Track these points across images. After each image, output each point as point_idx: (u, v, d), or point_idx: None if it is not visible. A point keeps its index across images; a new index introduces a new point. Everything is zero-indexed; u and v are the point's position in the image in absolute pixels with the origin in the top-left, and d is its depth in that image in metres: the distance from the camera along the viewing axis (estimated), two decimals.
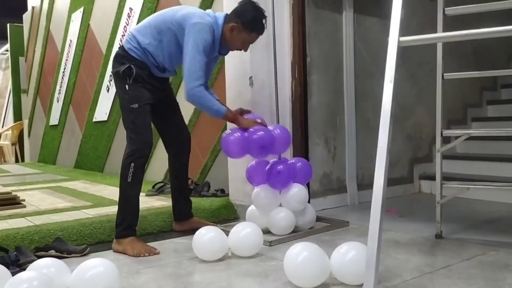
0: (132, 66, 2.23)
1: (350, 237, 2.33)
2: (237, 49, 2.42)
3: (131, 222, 2.23)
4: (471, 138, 2.39)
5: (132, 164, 2.19)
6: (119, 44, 4.62)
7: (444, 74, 2.24)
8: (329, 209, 3.04)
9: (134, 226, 2.25)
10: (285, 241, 2.29)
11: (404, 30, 1.48)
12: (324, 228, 2.55)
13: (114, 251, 2.21)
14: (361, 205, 3.19)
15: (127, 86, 2.23)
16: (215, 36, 2.31)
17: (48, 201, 3.28)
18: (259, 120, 2.39)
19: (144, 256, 2.12)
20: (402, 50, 1.48)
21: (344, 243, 1.70)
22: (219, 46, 2.37)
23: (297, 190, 2.41)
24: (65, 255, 2.12)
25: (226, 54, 2.51)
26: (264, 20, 2.36)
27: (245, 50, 2.44)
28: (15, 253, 1.93)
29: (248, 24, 2.31)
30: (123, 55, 2.29)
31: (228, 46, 2.39)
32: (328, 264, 1.64)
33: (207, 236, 2.02)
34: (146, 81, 2.28)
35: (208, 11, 2.40)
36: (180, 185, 2.58)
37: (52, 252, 2.13)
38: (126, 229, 2.21)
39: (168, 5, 3.84)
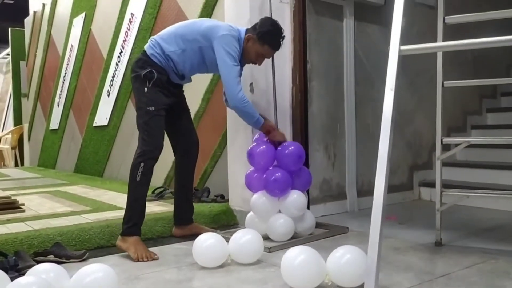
0: (153, 70, 2.31)
1: (349, 243, 2.30)
2: (251, 62, 2.49)
3: (137, 221, 2.27)
4: (471, 145, 2.39)
5: (142, 164, 2.24)
6: (120, 49, 4.65)
7: (444, 82, 2.25)
8: (328, 216, 3.04)
9: (139, 225, 2.28)
10: (284, 247, 2.28)
11: (405, 38, 1.49)
12: (323, 234, 2.54)
13: (117, 247, 2.26)
14: (360, 212, 3.19)
15: (146, 89, 2.30)
16: (240, 47, 2.39)
17: (48, 205, 3.28)
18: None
19: (143, 261, 2.13)
20: (403, 58, 1.49)
21: (339, 247, 1.72)
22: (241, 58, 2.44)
23: (296, 197, 2.40)
24: (64, 260, 2.11)
25: (242, 66, 2.53)
26: (280, 37, 2.44)
27: (259, 64, 2.51)
28: (14, 257, 1.93)
29: (261, 35, 2.38)
30: (145, 60, 2.36)
31: (244, 58, 2.45)
32: (324, 267, 1.68)
33: (207, 243, 2.01)
34: (164, 86, 2.36)
35: (231, 24, 2.48)
36: (185, 191, 2.60)
37: (51, 257, 2.12)
38: (132, 227, 2.25)
39: (169, 12, 3.87)
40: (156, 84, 2.31)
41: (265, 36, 2.39)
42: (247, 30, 2.44)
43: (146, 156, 2.26)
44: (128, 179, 2.28)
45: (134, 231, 2.25)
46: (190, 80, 2.56)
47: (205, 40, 2.34)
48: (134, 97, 2.40)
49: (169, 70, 2.37)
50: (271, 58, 2.68)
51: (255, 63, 2.50)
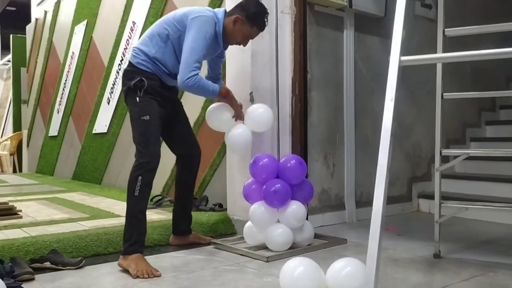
0: (143, 78, 2.24)
1: (347, 254, 2.31)
2: (236, 43, 2.44)
3: (138, 238, 2.16)
4: (470, 158, 2.39)
5: (140, 178, 2.15)
6: (121, 57, 4.66)
7: (444, 93, 2.25)
8: (327, 226, 3.03)
9: (141, 242, 2.18)
10: (282, 257, 2.27)
11: (404, 50, 1.50)
12: (322, 245, 2.53)
13: (119, 266, 2.13)
14: (359, 223, 3.18)
15: (138, 99, 2.23)
16: (217, 30, 2.33)
17: (45, 212, 3.27)
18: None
19: (143, 277, 2.01)
20: (403, 70, 1.49)
21: (340, 258, 1.69)
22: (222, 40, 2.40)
23: (296, 207, 2.39)
24: (60, 268, 2.10)
25: (225, 48, 2.51)
26: (266, 17, 2.41)
27: (244, 45, 2.46)
28: (10, 264, 1.91)
29: (251, 17, 2.35)
30: (133, 71, 2.29)
31: (228, 40, 2.40)
32: (323, 279, 1.64)
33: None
34: (157, 92, 2.28)
35: (207, 7, 2.42)
36: (184, 200, 2.58)
37: (47, 264, 2.11)
38: (133, 245, 2.13)
39: None
40: (147, 92, 2.23)
41: (254, 17, 2.36)
42: (227, 12, 2.39)
43: (144, 169, 2.16)
44: (126, 193, 2.19)
45: (135, 249, 2.13)
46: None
47: (181, 27, 2.27)
48: (128, 110, 2.34)
49: (160, 73, 2.30)
50: (273, 68, 2.69)
51: (240, 44, 2.44)
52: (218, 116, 2.49)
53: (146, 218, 2.23)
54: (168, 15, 2.37)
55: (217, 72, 2.60)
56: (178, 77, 2.23)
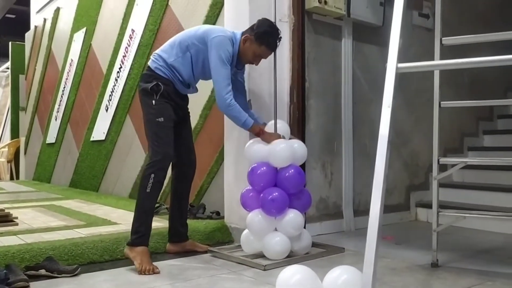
0: (159, 83, 2.36)
1: (345, 263, 2.27)
2: (248, 62, 2.54)
3: (146, 232, 2.28)
4: (468, 167, 2.40)
5: (153, 175, 2.26)
6: (120, 65, 4.67)
7: (442, 102, 2.26)
8: (325, 235, 3.01)
9: (148, 236, 2.30)
10: (279, 266, 2.25)
11: (402, 59, 1.50)
12: (320, 254, 2.52)
13: (125, 256, 2.28)
14: (357, 232, 3.17)
15: (154, 102, 2.36)
16: (234, 49, 2.44)
17: (41, 219, 3.25)
18: (281, 135, 2.49)
19: (145, 274, 2.13)
20: (400, 78, 1.50)
21: (336, 266, 1.68)
22: (237, 60, 2.50)
23: (293, 216, 2.38)
24: (55, 275, 2.08)
25: (240, 69, 2.61)
26: (277, 38, 2.48)
27: (256, 64, 2.55)
28: (4, 271, 1.90)
29: (259, 35, 2.43)
30: (150, 75, 2.42)
31: (241, 58, 2.51)
32: (320, 287, 1.62)
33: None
34: (171, 98, 2.41)
35: (232, 30, 2.53)
36: (180, 208, 2.60)
37: (43, 271, 2.09)
38: (141, 237, 2.26)
39: (169, 29, 3.91)
40: (163, 96, 2.37)
41: (262, 36, 2.43)
42: (243, 32, 2.50)
43: (156, 167, 2.28)
44: (138, 189, 2.31)
45: (142, 241, 2.26)
46: (196, 90, 2.61)
47: (201, 44, 2.40)
48: (142, 110, 2.45)
49: (175, 80, 2.42)
50: (271, 76, 2.70)
51: (253, 63, 2.54)
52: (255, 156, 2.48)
53: (153, 216, 2.35)
54: (191, 29, 2.51)
55: (241, 100, 2.59)
56: (216, 95, 2.39)
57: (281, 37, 2.51)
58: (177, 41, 2.45)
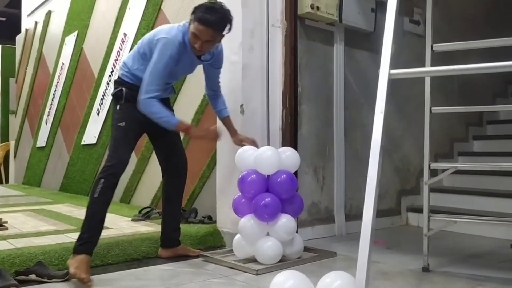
0: (123, 88, 2.34)
1: (337, 268, 2.30)
2: (195, 50, 2.30)
3: (89, 239, 2.16)
4: (458, 172, 2.42)
5: (102, 180, 2.18)
6: (112, 68, 4.66)
7: (432, 108, 2.28)
8: (316, 239, 3.02)
9: (91, 244, 2.17)
10: (272, 270, 2.26)
11: (393, 65, 1.52)
12: (312, 258, 2.52)
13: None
14: (348, 236, 3.18)
15: (118, 106, 2.35)
16: (186, 41, 2.29)
17: (31, 224, 3.22)
18: (214, 127, 2.47)
19: (74, 278, 2.02)
20: (392, 84, 1.51)
21: (330, 272, 1.68)
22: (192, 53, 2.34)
23: (286, 221, 2.38)
24: (46, 280, 2.06)
25: (202, 59, 2.43)
26: (206, 11, 2.21)
27: (198, 48, 2.26)
28: None
29: (193, 11, 2.25)
30: (117, 81, 2.43)
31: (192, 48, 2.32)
32: None
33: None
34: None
35: (179, 24, 2.36)
36: (172, 213, 2.57)
37: (33, 276, 2.07)
38: (82, 245, 2.14)
39: None
40: (128, 100, 2.32)
41: (193, 12, 2.25)
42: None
43: (107, 172, 2.20)
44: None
45: (84, 249, 2.13)
46: (173, 92, 2.56)
47: (152, 47, 2.30)
48: None
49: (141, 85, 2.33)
50: (264, 81, 2.70)
51: (198, 49, 2.27)
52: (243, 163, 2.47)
53: (102, 224, 2.22)
54: (147, 34, 2.41)
55: (213, 87, 2.59)
56: (139, 96, 2.25)
57: (215, 7, 2.24)
58: (136, 50, 2.39)
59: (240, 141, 2.60)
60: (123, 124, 2.30)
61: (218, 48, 2.47)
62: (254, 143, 2.59)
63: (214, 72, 2.56)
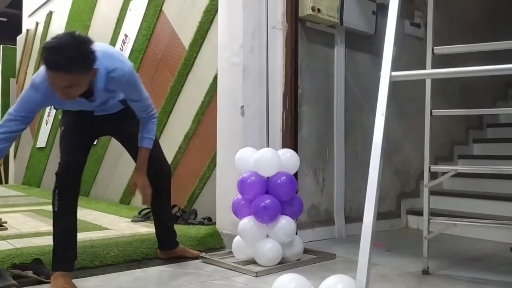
0: None
1: (336, 270, 2.30)
2: (63, 97, 1.83)
3: (60, 256, 2.05)
4: (458, 175, 2.42)
5: (57, 191, 2.06)
6: None
7: (433, 110, 2.28)
8: (316, 241, 3.02)
9: (63, 260, 2.05)
10: (271, 272, 2.26)
11: (394, 68, 1.52)
12: (311, 260, 2.52)
13: None
14: (348, 238, 3.18)
15: (63, 112, 2.28)
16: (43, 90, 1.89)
17: (31, 224, 3.22)
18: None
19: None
20: (393, 86, 1.51)
21: (332, 275, 1.67)
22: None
23: (285, 223, 2.38)
24: (43, 280, 2.06)
25: (100, 99, 2.02)
26: (51, 50, 1.72)
27: (62, 96, 1.81)
28: None
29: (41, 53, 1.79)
30: None
31: None
32: None
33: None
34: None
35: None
36: (163, 221, 2.50)
37: (29, 272, 2.06)
38: (56, 263, 2.05)
39: (163, 34, 3.91)
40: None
41: (42, 51, 1.75)
42: None
43: (58, 182, 2.07)
44: None
45: (57, 267, 2.04)
46: (109, 110, 2.19)
47: None
48: None
49: None
50: (264, 83, 2.69)
51: (63, 97, 1.82)
52: None
53: (75, 232, 2.12)
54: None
55: (140, 115, 2.16)
56: None
57: (50, 47, 1.72)
58: None
59: (134, 181, 2.25)
60: (62, 128, 2.22)
61: (115, 79, 1.94)
62: (144, 190, 2.21)
63: (133, 105, 2.13)
